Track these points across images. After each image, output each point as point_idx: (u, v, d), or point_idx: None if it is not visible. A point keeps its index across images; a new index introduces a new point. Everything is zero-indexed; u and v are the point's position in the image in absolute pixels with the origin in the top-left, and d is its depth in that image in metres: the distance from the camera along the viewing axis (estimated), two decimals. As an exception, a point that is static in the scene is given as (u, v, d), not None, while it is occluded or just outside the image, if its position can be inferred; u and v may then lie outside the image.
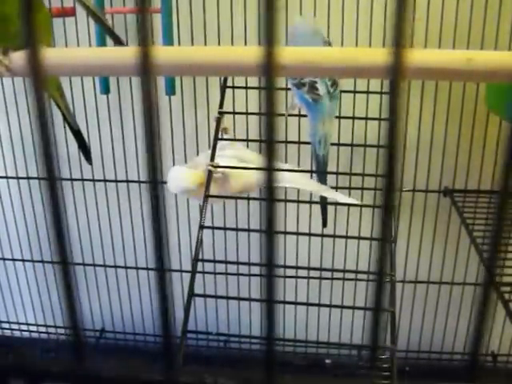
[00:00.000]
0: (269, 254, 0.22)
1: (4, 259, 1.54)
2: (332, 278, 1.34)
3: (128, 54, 0.61)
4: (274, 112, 0.22)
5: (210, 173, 0.99)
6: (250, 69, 0.59)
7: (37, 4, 0.69)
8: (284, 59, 0.58)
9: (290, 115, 0.99)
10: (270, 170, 0.21)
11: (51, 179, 0.23)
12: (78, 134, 0.93)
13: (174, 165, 1.33)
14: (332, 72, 0.62)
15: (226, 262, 1.24)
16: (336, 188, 1.21)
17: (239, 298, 1.38)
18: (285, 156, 1.20)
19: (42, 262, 1.50)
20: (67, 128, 1.18)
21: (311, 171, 1.09)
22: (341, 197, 1.02)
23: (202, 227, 1.06)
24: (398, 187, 1.27)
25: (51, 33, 0.74)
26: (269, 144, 0.21)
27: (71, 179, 1.40)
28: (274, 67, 0.21)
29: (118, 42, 0.82)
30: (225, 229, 1.32)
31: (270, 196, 0.22)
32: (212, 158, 1.01)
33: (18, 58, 0.65)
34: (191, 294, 0.92)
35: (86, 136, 1.33)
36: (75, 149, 1.30)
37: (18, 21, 0.66)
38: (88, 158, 0.97)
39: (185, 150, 1.32)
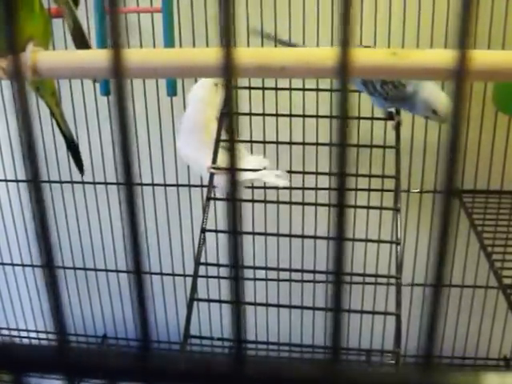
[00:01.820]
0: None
1: (3, 264, 1.56)
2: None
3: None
4: (234, 110, 0.23)
5: (211, 175, 1.01)
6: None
7: (37, 7, 0.71)
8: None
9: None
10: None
11: (35, 181, 0.24)
12: (72, 144, 0.93)
13: (176, 165, 1.35)
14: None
15: (230, 266, 1.25)
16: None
17: (244, 303, 1.40)
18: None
19: (43, 266, 1.52)
20: (74, 132, 1.20)
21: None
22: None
23: (204, 230, 1.08)
24: (405, 188, 1.29)
25: (50, 35, 0.76)
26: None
27: (71, 182, 1.42)
28: (233, 68, 0.22)
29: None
30: (228, 232, 1.33)
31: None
32: (214, 160, 1.03)
33: (14, 62, 0.66)
34: (193, 299, 0.94)
35: (86, 138, 1.35)
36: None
37: (18, 25, 0.67)
38: (80, 169, 0.97)
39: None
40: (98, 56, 0.66)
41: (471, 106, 1.24)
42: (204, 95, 1.07)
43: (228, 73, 0.22)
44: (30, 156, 0.24)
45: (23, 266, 1.55)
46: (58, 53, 0.70)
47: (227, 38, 0.22)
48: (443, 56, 0.61)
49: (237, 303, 0.24)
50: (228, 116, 0.23)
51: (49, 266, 0.25)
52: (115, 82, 0.23)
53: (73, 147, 0.93)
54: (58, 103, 0.87)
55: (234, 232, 0.23)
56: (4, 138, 1.42)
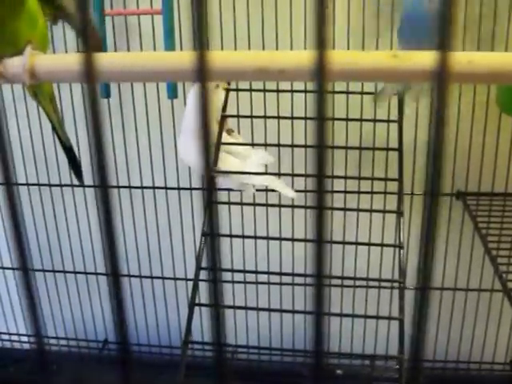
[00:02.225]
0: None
1: (3, 268, 1.56)
2: (342, 286, 1.35)
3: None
4: (207, 116, 0.23)
5: (212, 178, 1.01)
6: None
7: (36, 10, 0.71)
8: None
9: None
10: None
11: (8, 184, 0.24)
12: (69, 150, 0.91)
13: (177, 168, 1.36)
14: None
15: (232, 271, 1.25)
16: (344, 192, 1.22)
17: (246, 308, 1.39)
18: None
19: (43, 270, 1.52)
20: (74, 133, 1.20)
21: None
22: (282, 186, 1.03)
23: (205, 234, 1.08)
24: (408, 191, 1.29)
25: (48, 38, 0.75)
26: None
27: (72, 185, 1.42)
28: (207, 71, 0.22)
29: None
30: (230, 236, 1.34)
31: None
32: (215, 163, 1.03)
33: (12, 64, 0.67)
34: (193, 304, 0.94)
35: (86, 142, 1.35)
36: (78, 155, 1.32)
37: (14, 26, 0.68)
38: (79, 177, 0.96)
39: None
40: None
41: (475, 107, 1.23)
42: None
43: (202, 76, 0.22)
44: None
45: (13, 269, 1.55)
46: (57, 56, 0.70)
47: (201, 40, 0.22)
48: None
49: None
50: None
51: (23, 268, 0.25)
52: (87, 87, 0.23)
53: (70, 154, 0.92)
54: (55, 109, 0.86)
55: (212, 235, 0.23)
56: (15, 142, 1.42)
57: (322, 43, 0.22)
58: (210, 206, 0.23)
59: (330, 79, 0.23)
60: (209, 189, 0.23)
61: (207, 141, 0.23)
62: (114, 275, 0.24)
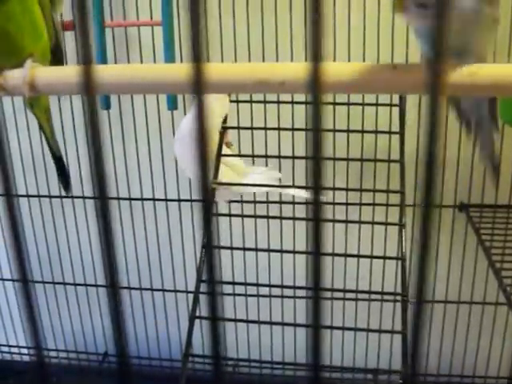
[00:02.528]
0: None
1: (3, 279, 1.56)
2: (344, 299, 1.35)
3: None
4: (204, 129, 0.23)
5: (213, 190, 1.01)
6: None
7: (40, 23, 0.71)
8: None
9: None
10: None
11: (8, 195, 0.24)
12: (59, 160, 0.92)
13: (177, 180, 1.35)
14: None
15: (234, 283, 1.24)
16: (346, 204, 1.22)
17: (247, 321, 1.39)
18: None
19: (43, 282, 1.52)
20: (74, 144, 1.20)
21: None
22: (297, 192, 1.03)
23: (205, 246, 1.07)
24: (410, 202, 1.28)
25: (50, 51, 0.76)
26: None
27: (72, 197, 1.42)
28: (203, 84, 0.22)
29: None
30: (231, 248, 1.33)
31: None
32: (215, 175, 1.02)
33: (12, 76, 0.67)
34: (194, 317, 0.93)
35: (86, 153, 1.35)
36: (75, 166, 1.33)
37: (19, 40, 0.68)
38: (66, 187, 0.96)
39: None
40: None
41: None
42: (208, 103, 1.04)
43: (198, 89, 0.22)
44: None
45: (13, 281, 1.54)
46: (57, 68, 0.70)
47: (197, 53, 0.22)
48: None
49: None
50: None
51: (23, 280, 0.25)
52: (87, 98, 0.23)
53: (60, 164, 0.92)
54: (49, 119, 0.87)
55: (210, 246, 0.23)
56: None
57: (317, 55, 0.22)
58: (207, 219, 0.23)
59: (327, 91, 0.23)
60: (206, 203, 0.23)
61: (205, 157, 0.23)
62: (113, 287, 0.24)
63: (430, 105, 0.23)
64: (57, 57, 0.77)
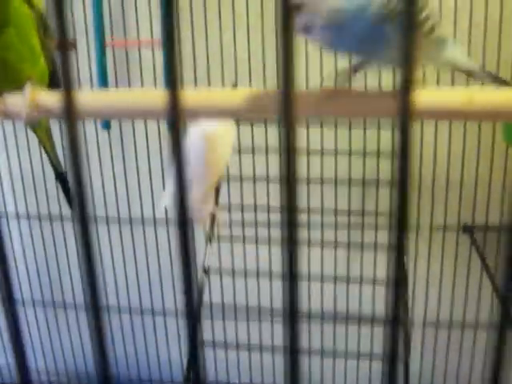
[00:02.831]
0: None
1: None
2: (346, 323, 1.33)
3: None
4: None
5: (213, 216, 1.00)
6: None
7: (38, 47, 0.72)
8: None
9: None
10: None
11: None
12: (61, 175, 0.93)
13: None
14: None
15: (235, 308, 1.23)
16: (348, 227, 1.21)
17: (249, 347, 1.37)
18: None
19: (54, 305, 1.51)
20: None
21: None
22: None
23: (205, 271, 1.07)
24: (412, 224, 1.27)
25: (48, 74, 0.76)
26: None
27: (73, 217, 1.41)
28: (179, 111, 0.22)
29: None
30: (232, 272, 1.32)
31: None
32: (216, 202, 1.02)
33: (12, 101, 0.68)
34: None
35: (87, 172, 1.35)
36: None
37: (18, 65, 0.69)
38: (70, 202, 0.97)
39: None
40: (93, 96, 0.66)
41: (481, 140, 1.22)
42: (213, 130, 0.95)
43: (174, 116, 0.22)
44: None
45: (34, 302, 1.53)
46: (57, 92, 0.71)
47: (173, 80, 0.22)
48: (447, 95, 0.60)
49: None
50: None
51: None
52: (67, 124, 0.23)
53: (62, 178, 0.93)
54: (50, 138, 0.88)
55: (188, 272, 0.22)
56: (4, 172, 1.42)
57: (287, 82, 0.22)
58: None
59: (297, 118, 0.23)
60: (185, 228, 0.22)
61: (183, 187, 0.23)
62: (94, 308, 0.23)
63: (401, 128, 0.23)
64: (54, 81, 0.77)
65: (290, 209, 0.23)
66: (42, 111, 0.65)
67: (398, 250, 0.23)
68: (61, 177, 0.93)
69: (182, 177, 0.23)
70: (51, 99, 0.66)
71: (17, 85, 0.66)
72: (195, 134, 0.88)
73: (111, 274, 1.46)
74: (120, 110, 0.64)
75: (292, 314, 0.23)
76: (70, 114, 0.23)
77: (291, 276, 0.23)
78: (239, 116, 0.69)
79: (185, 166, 0.23)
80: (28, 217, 1.44)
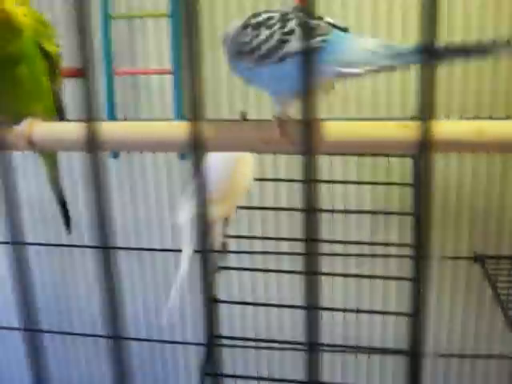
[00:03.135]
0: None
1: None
2: (356, 353, 1.32)
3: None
4: None
5: (224, 244, 1.00)
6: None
7: (45, 80, 0.73)
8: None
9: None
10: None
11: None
12: (61, 201, 0.96)
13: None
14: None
15: (245, 339, 1.22)
16: (357, 256, 1.20)
17: (258, 378, 1.35)
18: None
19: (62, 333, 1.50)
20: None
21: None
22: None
23: (215, 300, 1.06)
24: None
25: (54, 106, 0.77)
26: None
27: (84, 246, 1.41)
28: (201, 143, 0.23)
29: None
30: (242, 303, 1.31)
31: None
32: (226, 231, 1.01)
33: (11, 133, 0.69)
34: (204, 373, 0.91)
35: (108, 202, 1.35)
36: (85, 215, 1.33)
37: (25, 101, 0.71)
38: (68, 225, 0.99)
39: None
40: (114, 127, 0.67)
41: (492, 169, 1.22)
42: (232, 161, 0.93)
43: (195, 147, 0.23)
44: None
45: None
46: (56, 124, 0.71)
47: (194, 112, 0.23)
48: (456, 127, 0.59)
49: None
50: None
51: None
52: (90, 156, 0.23)
53: (62, 203, 0.96)
54: (56, 166, 0.90)
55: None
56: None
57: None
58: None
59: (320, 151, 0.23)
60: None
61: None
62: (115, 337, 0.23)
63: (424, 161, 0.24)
64: (61, 116, 0.79)
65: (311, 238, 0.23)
66: (40, 144, 0.66)
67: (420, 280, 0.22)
68: (62, 205, 0.96)
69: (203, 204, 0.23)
70: (48, 132, 0.66)
71: (21, 118, 0.67)
72: (214, 159, 0.88)
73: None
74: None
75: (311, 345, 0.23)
76: (93, 146, 0.23)
77: (310, 307, 0.23)
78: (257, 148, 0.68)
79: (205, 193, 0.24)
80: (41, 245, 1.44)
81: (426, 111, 0.22)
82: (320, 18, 0.59)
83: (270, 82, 0.61)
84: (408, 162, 1.15)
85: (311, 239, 0.22)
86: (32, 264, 1.47)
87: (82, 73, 0.97)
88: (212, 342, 0.99)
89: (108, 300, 0.24)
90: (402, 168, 1.19)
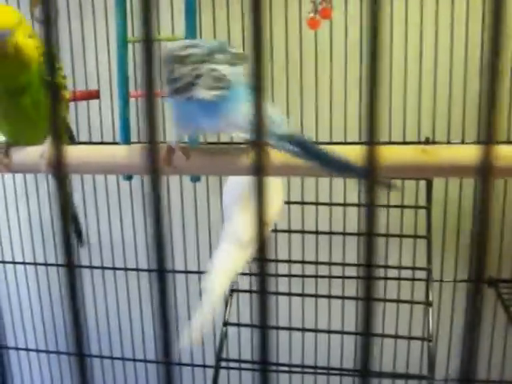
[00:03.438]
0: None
1: (17, 349, 1.55)
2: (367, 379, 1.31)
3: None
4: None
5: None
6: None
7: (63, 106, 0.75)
8: None
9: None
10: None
11: (70, 266, 0.25)
12: (74, 217, 0.99)
13: (197, 250, 1.34)
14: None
15: (253, 362, 1.22)
16: (368, 278, 1.20)
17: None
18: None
19: (58, 352, 1.50)
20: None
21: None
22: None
23: (226, 324, 1.06)
24: (437, 277, 1.26)
25: (64, 131, 0.80)
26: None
27: (102, 267, 1.42)
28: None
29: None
30: (252, 326, 1.30)
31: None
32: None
33: (30, 154, 0.70)
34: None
35: (107, 222, 1.36)
36: (95, 234, 1.33)
37: (41, 123, 0.74)
38: (79, 239, 1.01)
39: (210, 236, 1.33)
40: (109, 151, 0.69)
41: (507, 193, 1.22)
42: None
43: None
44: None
45: (38, 351, 1.53)
46: (71, 148, 0.74)
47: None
48: (473, 152, 0.60)
49: None
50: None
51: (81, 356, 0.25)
52: (149, 179, 0.25)
53: (74, 219, 0.99)
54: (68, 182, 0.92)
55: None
56: (24, 221, 1.43)
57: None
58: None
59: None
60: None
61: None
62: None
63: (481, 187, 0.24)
64: (71, 139, 0.87)
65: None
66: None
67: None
68: (74, 218, 0.99)
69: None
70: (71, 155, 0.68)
71: (34, 141, 0.72)
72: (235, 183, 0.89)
73: (138, 326, 1.47)
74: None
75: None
76: (155, 172, 0.23)
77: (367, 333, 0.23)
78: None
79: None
80: (46, 267, 1.44)
81: (486, 134, 0.22)
82: (233, 64, 0.64)
83: (175, 114, 0.68)
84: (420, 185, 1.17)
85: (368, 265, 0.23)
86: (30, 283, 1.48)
87: (96, 95, 1.00)
88: (219, 365, 0.98)
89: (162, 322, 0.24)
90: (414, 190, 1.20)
